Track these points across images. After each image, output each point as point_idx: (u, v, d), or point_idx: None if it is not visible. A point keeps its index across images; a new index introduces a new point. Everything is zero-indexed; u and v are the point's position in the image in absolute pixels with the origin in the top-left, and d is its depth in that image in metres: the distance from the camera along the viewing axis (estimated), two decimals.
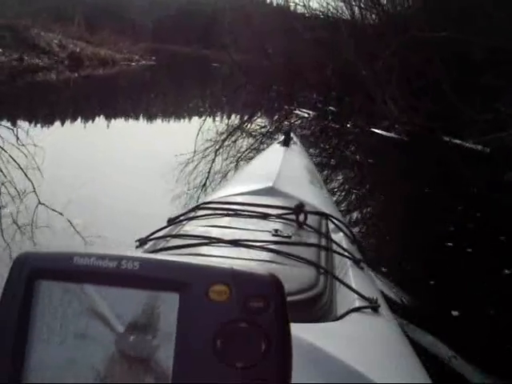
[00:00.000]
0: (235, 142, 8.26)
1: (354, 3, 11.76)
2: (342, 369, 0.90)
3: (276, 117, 10.79)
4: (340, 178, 6.10)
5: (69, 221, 3.63)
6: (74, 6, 31.87)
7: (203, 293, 0.61)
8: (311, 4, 13.35)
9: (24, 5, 27.18)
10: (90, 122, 8.67)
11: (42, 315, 0.64)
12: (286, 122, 7.42)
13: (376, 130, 8.85)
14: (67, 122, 8.33)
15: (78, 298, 0.63)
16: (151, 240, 1.44)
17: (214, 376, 0.58)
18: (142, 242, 1.45)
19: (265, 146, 4.65)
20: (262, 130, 8.46)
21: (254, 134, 8.57)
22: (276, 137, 5.00)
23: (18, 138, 5.88)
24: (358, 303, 1.14)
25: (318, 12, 13.37)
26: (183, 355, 0.59)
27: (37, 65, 17.01)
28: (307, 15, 13.79)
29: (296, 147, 3.00)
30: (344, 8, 12.35)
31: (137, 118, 9.99)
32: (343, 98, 11.00)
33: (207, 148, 7.15)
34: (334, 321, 1.08)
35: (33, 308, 0.64)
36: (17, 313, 0.65)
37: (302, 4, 13.54)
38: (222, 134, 8.51)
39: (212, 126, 8.78)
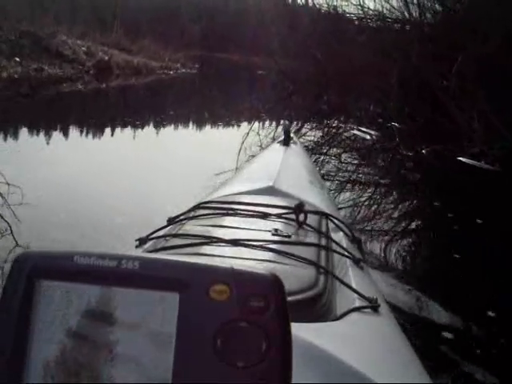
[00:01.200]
0: (236, 141, 8.00)
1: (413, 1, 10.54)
2: (341, 368, 0.90)
3: (327, 138, 9.77)
4: (340, 177, 5.99)
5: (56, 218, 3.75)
6: (113, 12, 27.78)
7: (203, 292, 0.61)
8: (367, 3, 13.34)
9: (63, 11, 28.09)
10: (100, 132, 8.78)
11: (42, 315, 0.64)
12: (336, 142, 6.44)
13: (463, 159, 7.27)
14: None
15: (78, 297, 0.63)
16: (151, 239, 1.46)
17: (214, 376, 0.59)
18: (141, 242, 1.46)
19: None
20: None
21: None
22: None
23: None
24: (357, 303, 1.14)
25: (374, 12, 12.48)
26: (183, 355, 0.59)
27: (58, 75, 16.62)
28: (361, 16, 12.96)
29: (296, 147, 3.07)
30: (400, 7, 11.39)
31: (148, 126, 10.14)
32: (410, 112, 9.48)
33: (208, 148, 7.70)
34: (333, 320, 1.07)
35: (33, 308, 0.64)
36: (17, 312, 0.64)
37: (356, 3, 12.49)
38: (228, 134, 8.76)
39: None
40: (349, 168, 6.79)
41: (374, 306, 1.17)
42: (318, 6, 14.51)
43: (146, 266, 0.61)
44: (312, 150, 7.59)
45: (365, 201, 5.41)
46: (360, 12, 12.06)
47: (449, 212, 4.88)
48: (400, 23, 10.48)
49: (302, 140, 7.51)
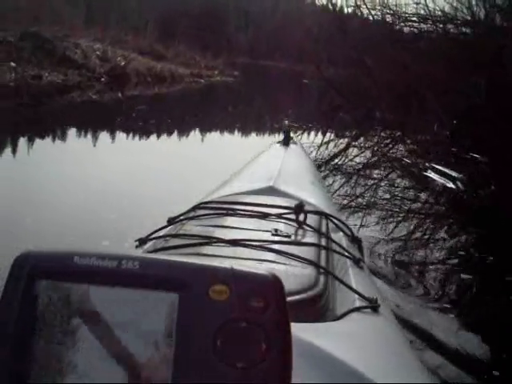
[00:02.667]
0: (237, 141, 9.27)
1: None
2: (341, 369, 0.92)
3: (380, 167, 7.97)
4: (340, 178, 6.15)
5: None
6: (146, 15, 26.15)
7: (203, 292, 0.63)
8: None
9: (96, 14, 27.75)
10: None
11: (42, 315, 0.65)
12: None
13: None
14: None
15: (78, 297, 0.65)
16: (151, 240, 1.53)
17: (214, 376, 0.60)
18: (141, 242, 1.54)
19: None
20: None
21: None
22: None
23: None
24: (357, 303, 1.20)
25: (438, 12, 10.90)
26: (183, 355, 0.61)
27: (62, 83, 14.71)
28: (423, 17, 11.31)
29: (296, 147, 3.22)
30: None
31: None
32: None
33: (209, 148, 8.41)
34: (333, 320, 1.14)
35: (33, 307, 0.65)
36: (17, 312, 0.66)
37: (419, 2, 10.90)
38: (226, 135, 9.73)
39: None
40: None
41: (373, 306, 1.19)
42: (367, 11, 13.36)
43: (146, 266, 0.62)
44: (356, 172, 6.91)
45: (368, 203, 5.42)
46: (421, 12, 11.23)
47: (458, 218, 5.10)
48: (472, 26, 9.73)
49: (348, 164, 7.44)
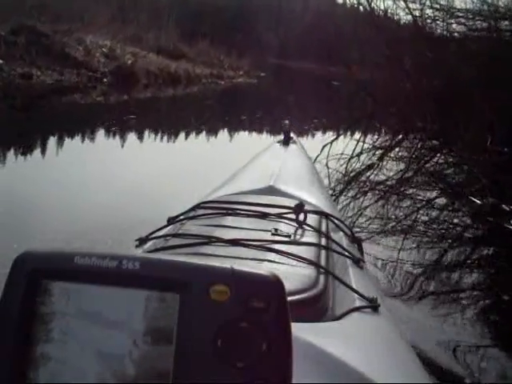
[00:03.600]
0: (237, 141, 9.50)
1: None
2: (341, 368, 0.94)
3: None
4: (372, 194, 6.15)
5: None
6: (169, 12, 30.73)
7: (204, 292, 0.63)
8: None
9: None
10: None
11: (42, 315, 0.66)
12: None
13: None
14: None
15: (78, 297, 0.65)
16: (151, 239, 1.57)
17: (214, 376, 0.61)
18: (141, 242, 1.58)
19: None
20: None
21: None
22: None
23: None
24: (357, 303, 1.24)
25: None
26: (184, 355, 0.61)
27: (57, 84, 13.09)
28: (469, 15, 10.13)
29: (296, 146, 3.27)
30: None
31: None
32: None
33: (208, 147, 8.70)
34: (333, 320, 1.17)
35: (34, 307, 0.66)
36: (18, 312, 0.66)
37: None
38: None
39: None
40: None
41: (373, 306, 1.22)
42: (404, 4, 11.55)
43: (147, 267, 0.63)
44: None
45: (368, 204, 5.67)
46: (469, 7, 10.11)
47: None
48: None
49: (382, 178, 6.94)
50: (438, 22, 11.03)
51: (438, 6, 10.53)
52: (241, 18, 55.49)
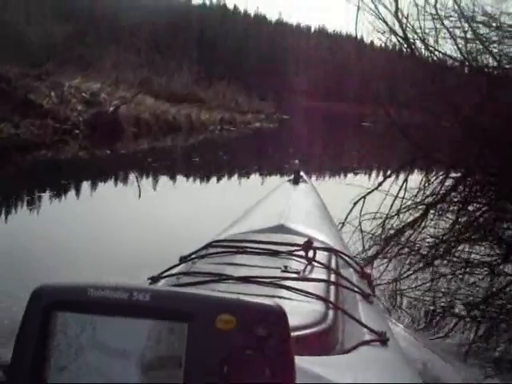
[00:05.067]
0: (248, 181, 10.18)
1: None
2: None
3: None
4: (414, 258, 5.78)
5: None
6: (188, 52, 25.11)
7: (210, 322, 0.66)
8: None
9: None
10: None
11: (58, 345, 0.69)
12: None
13: None
14: None
15: (92, 328, 0.69)
16: (163, 278, 1.66)
17: None
18: (154, 280, 1.67)
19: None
20: None
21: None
22: None
23: None
24: (366, 337, 1.31)
25: None
26: (192, 382, 0.64)
27: (11, 139, 10.42)
28: None
29: (306, 185, 3.46)
30: None
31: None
32: None
33: (220, 187, 9.21)
34: (343, 354, 1.25)
35: (49, 338, 0.70)
36: (34, 343, 0.70)
37: None
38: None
39: None
40: None
41: (382, 340, 1.28)
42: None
43: (157, 298, 0.67)
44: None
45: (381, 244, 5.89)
46: None
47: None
48: None
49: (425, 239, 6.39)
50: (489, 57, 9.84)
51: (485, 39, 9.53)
52: (268, 59, 58.41)
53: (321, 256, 1.70)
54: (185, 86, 23.47)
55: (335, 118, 34.86)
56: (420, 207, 8.42)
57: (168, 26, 52.71)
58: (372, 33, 12.62)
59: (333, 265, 1.70)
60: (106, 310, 0.68)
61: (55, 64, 15.51)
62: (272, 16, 79.30)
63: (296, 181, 3.36)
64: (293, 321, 0.75)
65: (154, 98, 17.94)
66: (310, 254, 1.66)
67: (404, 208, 8.15)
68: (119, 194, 8.26)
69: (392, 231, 6.59)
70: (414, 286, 4.42)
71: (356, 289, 1.59)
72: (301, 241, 1.73)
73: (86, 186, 8.57)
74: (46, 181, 8.72)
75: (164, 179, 9.73)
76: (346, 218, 6.30)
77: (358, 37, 14.01)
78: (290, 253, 1.70)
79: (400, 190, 9.48)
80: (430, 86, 10.94)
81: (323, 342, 1.21)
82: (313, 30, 79.52)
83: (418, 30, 11.18)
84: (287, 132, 23.21)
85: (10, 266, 4.15)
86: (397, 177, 11.41)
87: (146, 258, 4.10)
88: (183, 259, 1.78)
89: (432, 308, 4.01)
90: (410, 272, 4.94)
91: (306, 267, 1.60)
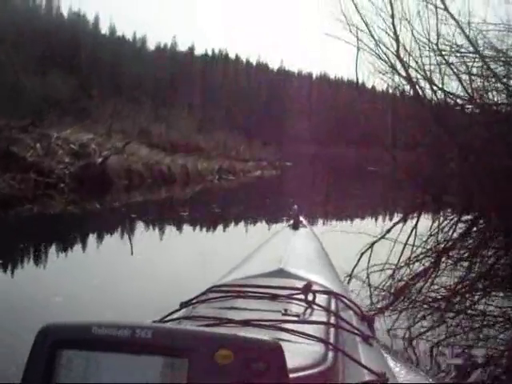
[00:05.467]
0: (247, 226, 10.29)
1: None
2: None
3: None
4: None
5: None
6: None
7: (210, 357, 0.69)
8: None
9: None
10: None
11: (63, 382, 0.71)
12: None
13: None
14: None
15: (96, 365, 0.71)
16: (164, 322, 1.66)
17: None
18: (153, 323, 1.76)
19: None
20: None
21: None
22: None
23: None
24: (366, 377, 1.34)
25: None
26: None
27: None
28: None
29: (305, 230, 3.48)
30: None
31: None
32: None
33: (219, 234, 9.36)
34: None
35: (55, 376, 0.72)
36: (40, 381, 0.71)
37: None
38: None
39: None
40: None
41: (382, 381, 1.31)
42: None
43: (158, 335, 0.71)
44: None
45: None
46: None
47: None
48: None
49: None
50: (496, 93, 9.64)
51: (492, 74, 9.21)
52: (270, 106, 60.76)
53: (320, 299, 1.72)
54: (184, 134, 23.09)
55: (339, 163, 34.82)
56: (431, 255, 7.89)
57: (170, 76, 54.50)
58: (374, 74, 12.50)
59: (332, 307, 1.74)
60: (110, 347, 0.71)
61: (56, 115, 15.55)
62: (274, 64, 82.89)
63: (295, 226, 3.43)
64: (293, 362, 0.85)
65: (151, 147, 17.64)
66: (310, 297, 1.68)
67: (414, 257, 7.55)
68: (115, 246, 7.89)
69: (402, 282, 6.10)
70: (426, 338, 4.14)
71: (356, 331, 1.62)
72: (300, 284, 1.76)
73: (77, 238, 8.21)
74: (41, 234, 8.37)
75: (155, 232, 9.19)
76: (353, 269, 5.94)
77: (360, 80, 14.06)
78: (290, 296, 1.73)
79: (409, 236, 8.92)
80: (435, 125, 10.62)
81: (323, 383, 1.22)
82: (314, 77, 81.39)
83: (421, 68, 11.04)
84: (289, 179, 22.55)
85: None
86: (405, 222, 10.69)
87: (147, 305, 4.14)
88: (184, 304, 1.81)
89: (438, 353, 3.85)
90: (423, 325, 4.54)
91: (305, 310, 1.62)
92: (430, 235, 9.65)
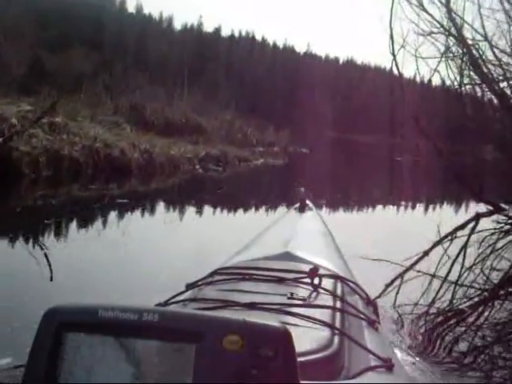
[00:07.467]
0: (254, 209, 9.89)
1: None
2: None
3: None
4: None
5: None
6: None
7: (218, 343, 0.64)
8: None
9: None
10: None
11: (69, 366, 0.67)
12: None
13: None
14: None
15: (102, 348, 0.67)
16: (170, 304, 1.69)
17: None
18: (160, 306, 1.69)
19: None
20: None
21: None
22: None
23: None
24: (372, 362, 1.32)
25: None
26: None
27: None
28: None
29: (311, 213, 3.37)
30: None
31: None
32: None
33: (225, 215, 9.42)
34: (348, 379, 1.27)
35: (60, 358, 0.67)
36: (45, 363, 0.67)
37: None
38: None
39: None
40: None
41: (388, 366, 1.29)
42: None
43: (165, 318, 0.68)
44: None
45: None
46: None
47: None
48: None
49: None
50: None
51: None
52: (293, 89, 57.51)
53: (326, 283, 1.72)
54: (186, 114, 20.30)
55: (364, 152, 31.65)
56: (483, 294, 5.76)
57: (196, 56, 54.02)
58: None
59: (338, 291, 1.74)
60: (117, 330, 0.69)
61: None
62: (301, 48, 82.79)
63: (302, 209, 3.33)
64: (299, 346, 0.77)
65: (124, 124, 14.54)
66: (316, 280, 1.67)
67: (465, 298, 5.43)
68: (120, 229, 7.44)
69: (410, 271, 5.38)
70: (432, 323, 3.92)
71: (361, 315, 1.63)
72: (306, 268, 1.75)
73: (83, 221, 7.72)
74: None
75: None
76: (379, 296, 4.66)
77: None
78: (296, 280, 1.73)
79: (456, 258, 6.29)
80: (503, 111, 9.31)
81: (329, 367, 1.21)
82: (341, 61, 78.02)
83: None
84: (296, 171, 17.47)
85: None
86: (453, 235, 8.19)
87: (153, 286, 4.07)
88: (190, 286, 1.81)
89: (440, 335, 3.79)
90: (429, 311, 4.07)
91: (311, 294, 1.62)
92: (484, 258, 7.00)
